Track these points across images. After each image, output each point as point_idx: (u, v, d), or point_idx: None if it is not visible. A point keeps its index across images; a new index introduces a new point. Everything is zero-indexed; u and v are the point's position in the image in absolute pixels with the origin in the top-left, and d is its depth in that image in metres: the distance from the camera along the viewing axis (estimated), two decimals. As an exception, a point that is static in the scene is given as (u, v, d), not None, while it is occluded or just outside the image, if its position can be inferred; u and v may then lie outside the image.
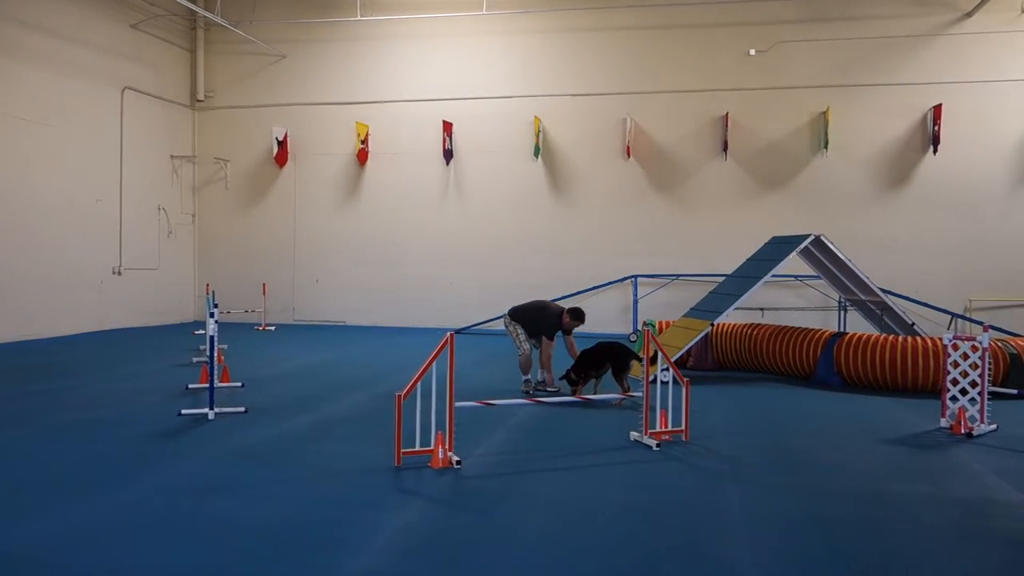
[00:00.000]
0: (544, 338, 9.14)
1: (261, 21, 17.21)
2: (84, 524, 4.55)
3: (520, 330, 9.21)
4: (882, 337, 9.81)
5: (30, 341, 13.73)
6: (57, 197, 14.76)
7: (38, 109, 14.37)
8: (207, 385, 7.67)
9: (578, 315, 9.24)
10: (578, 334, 9.48)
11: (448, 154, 17.15)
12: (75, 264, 15.13)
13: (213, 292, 9.32)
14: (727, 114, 16.00)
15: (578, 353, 8.93)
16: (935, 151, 15.30)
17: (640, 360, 7.90)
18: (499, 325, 17.78)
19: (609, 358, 8.71)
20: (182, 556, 4.08)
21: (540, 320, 9.19)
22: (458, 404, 6.08)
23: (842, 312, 13.47)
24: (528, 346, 9.26)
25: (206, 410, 7.48)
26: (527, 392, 9.12)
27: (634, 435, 6.77)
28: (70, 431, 6.98)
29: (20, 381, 9.61)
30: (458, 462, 5.82)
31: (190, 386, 9.05)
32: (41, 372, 10.36)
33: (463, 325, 16.51)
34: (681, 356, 10.41)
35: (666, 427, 6.80)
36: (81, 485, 5.31)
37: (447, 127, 17.05)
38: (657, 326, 11.80)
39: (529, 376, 9.31)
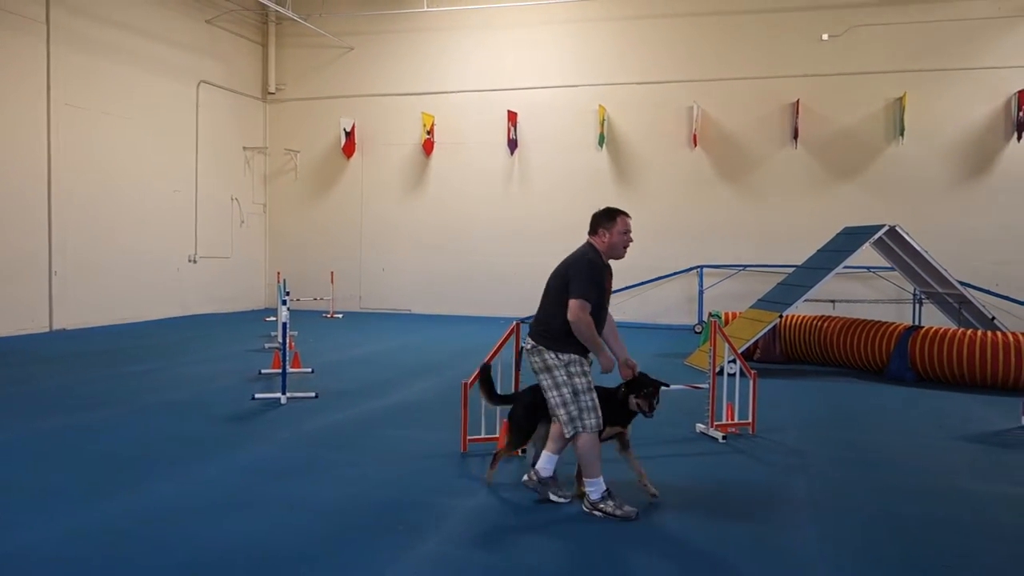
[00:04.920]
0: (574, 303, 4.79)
1: (330, 14, 17.54)
2: (168, 500, 4.77)
3: (550, 356, 4.84)
4: (960, 331, 9.49)
5: (116, 325, 14.36)
6: (138, 188, 15.34)
7: (121, 103, 14.94)
8: (279, 370, 7.92)
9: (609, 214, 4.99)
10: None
11: (512, 143, 17.19)
12: (155, 252, 15.71)
13: (284, 280, 9.59)
14: (798, 101, 15.62)
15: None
16: (1020, 138, 14.62)
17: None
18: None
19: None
20: (256, 533, 4.25)
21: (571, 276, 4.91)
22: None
23: (917, 305, 13.07)
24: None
25: (279, 395, 7.74)
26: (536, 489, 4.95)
27: (700, 427, 6.73)
28: (154, 411, 7.31)
29: (109, 364, 10.08)
30: (523, 450, 5.88)
31: (263, 371, 9.36)
32: (127, 355, 10.83)
33: (528, 315, 16.54)
34: (748, 348, 10.28)
35: (732, 420, 6.75)
36: (166, 463, 5.55)
37: (511, 116, 17.09)
38: (723, 317, 11.65)
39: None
